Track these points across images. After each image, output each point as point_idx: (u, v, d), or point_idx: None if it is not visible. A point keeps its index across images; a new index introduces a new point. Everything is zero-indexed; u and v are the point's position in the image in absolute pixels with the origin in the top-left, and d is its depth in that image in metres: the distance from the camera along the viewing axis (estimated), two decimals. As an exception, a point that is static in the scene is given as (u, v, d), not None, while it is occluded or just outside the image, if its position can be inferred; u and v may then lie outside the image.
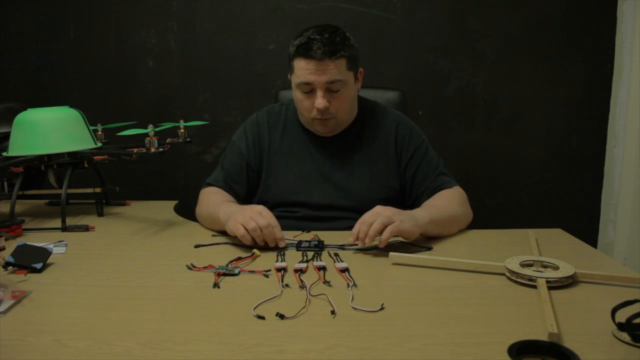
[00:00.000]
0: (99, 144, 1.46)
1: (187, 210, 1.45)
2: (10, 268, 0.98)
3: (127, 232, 1.29)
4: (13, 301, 0.84)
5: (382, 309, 0.81)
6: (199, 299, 0.87)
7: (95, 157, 1.42)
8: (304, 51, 1.23)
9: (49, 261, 1.01)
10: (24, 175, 1.40)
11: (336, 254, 1.07)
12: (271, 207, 1.33)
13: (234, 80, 2.13)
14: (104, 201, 1.52)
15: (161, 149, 1.27)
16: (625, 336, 0.70)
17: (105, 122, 1.56)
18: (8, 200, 1.38)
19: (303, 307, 0.82)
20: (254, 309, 0.81)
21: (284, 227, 1.17)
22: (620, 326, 0.71)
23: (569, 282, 0.90)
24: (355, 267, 1.00)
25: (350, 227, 1.16)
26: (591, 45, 2.08)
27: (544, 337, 0.70)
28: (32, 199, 1.58)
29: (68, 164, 1.38)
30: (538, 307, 0.81)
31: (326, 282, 0.93)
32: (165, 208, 1.52)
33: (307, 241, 1.13)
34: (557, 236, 1.23)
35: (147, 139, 1.26)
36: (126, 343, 0.72)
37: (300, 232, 1.24)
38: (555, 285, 0.88)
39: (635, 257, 2.01)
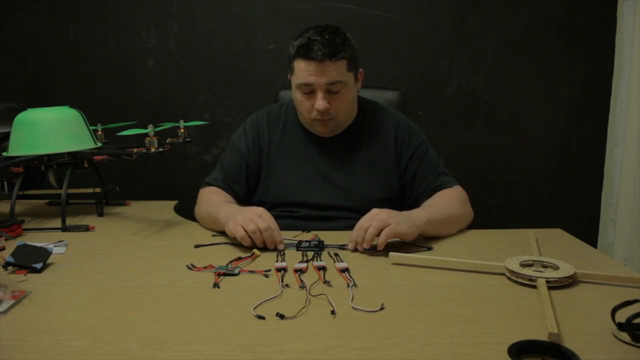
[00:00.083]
0: (99, 144, 1.46)
1: (187, 210, 1.45)
2: (10, 268, 0.98)
3: (127, 232, 1.29)
4: (13, 301, 0.84)
5: (382, 309, 0.81)
6: (199, 299, 0.87)
7: (95, 157, 1.42)
8: (305, 52, 1.23)
9: (49, 261, 1.01)
10: (24, 175, 1.40)
11: (336, 254, 1.07)
12: (271, 207, 1.33)
13: (234, 80, 2.13)
14: (104, 201, 1.52)
15: (161, 149, 1.27)
16: (625, 336, 0.70)
17: (105, 122, 1.56)
18: (8, 200, 1.38)
19: (303, 307, 0.82)
20: (254, 309, 0.81)
21: (284, 227, 1.17)
22: (620, 326, 0.71)
23: (569, 282, 0.90)
24: (355, 267, 1.00)
25: (350, 227, 1.16)
26: (591, 45, 2.08)
27: (544, 337, 0.70)
28: (32, 199, 1.58)
29: (68, 164, 1.38)
30: (538, 307, 0.81)
31: (326, 282, 0.93)
32: (165, 208, 1.52)
33: (307, 241, 1.13)
34: (557, 236, 1.23)
35: (147, 139, 1.26)
36: (126, 343, 0.72)
37: (300, 232, 1.24)
38: (555, 285, 0.88)
39: (635, 257, 2.01)
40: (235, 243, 1.14)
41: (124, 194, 1.58)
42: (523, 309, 0.82)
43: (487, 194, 2.18)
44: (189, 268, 1.00)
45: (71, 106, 1.45)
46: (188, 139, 1.35)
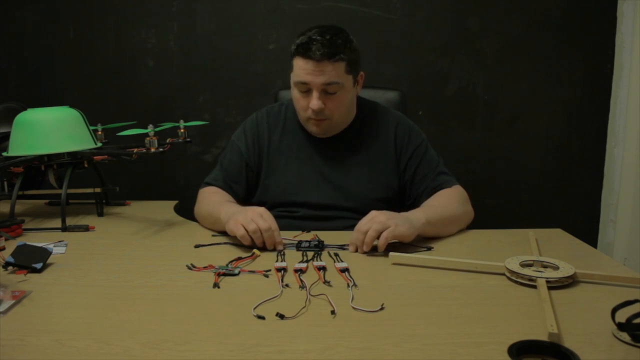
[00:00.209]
0: (99, 144, 1.46)
1: (187, 210, 1.45)
2: (10, 268, 0.98)
3: (127, 232, 1.29)
4: (13, 301, 0.84)
5: (382, 309, 0.81)
6: (199, 299, 0.87)
7: (95, 157, 1.42)
8: (303, 51, 1.23)
9: (49, 261, 1.01)
10: (24, 175, 1.40)
11: (336, 254, 1.07)
12: (270, 207, 1.33)
13: (234, 80, 2.13)
14: (104, 201, 1.52)
15: (161, 149, 1.27)
16: (625, 336, 0.70)
17: (105, 122, 1.56)
18: (8, 200, 1.38)
19: (303, 307, 0.82)
20: (254, 309, 0.81)
21: (284, 227, 1.17)
22: (620, 326, 0.71)
23: (569, 282, 0.90)
24: (355, 267, 1.00)
25: (349, 227, 1.16)
26: (591, 45, 2.08)
27: (544, 337, 0.70)
28: (32, 199, 1.58)
29: (68, 164, 1.38)
30: (538, 307, 0.81)
31: (326, 282, 0.93)
32: (165, 208, 1.52)
33: (307, 241, 1.13)
34: (557, 236, 1.23)
35: (147, 139, 1.26)
36: (126, 343, 0.72)
37: (300, 232, 1.24)
38: (555, 285, 0.88)
39: (635, 257, 2.01)
40: (236, 243, 1.14)
41: (124, 194, 1.58)
42: (523, 309, 0.82)
43: (487, 194, 2.18)
44: (189, 268, 1.00)
45: (71, 106, 1.45)
46: (188, 139, 1.35)
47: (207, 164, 2.15)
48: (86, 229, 1.29)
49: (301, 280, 0.92)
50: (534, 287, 0.88)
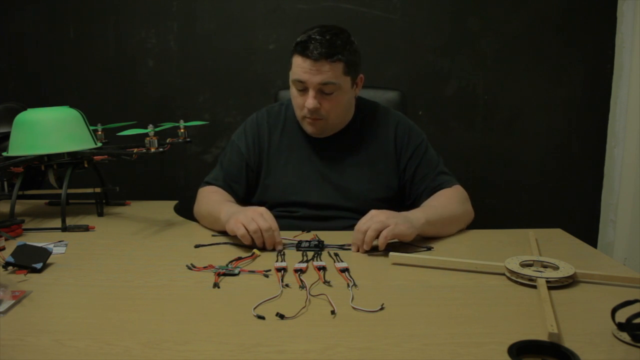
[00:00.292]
0: (99, 144, 1.46)
1: (187, 210, 1.45)
2: (10, 268, 0.98)
3: (127, 232, 1.29)
4: (13, 301, 0.84)
5: (382, 309, 0.81)
6: (199, 299, 0.87)
7: (95, 157, 1.42)
8: (302, 49, 1.23)
9: (49, 261, 1.01)
10: (24, 175, 1.40)
11: (336, 254, 1.07)
12: (270, 207, 1.33)
13: (234, 80, 2.13)
14: (104, 201, 1.52)
15: (161, 149, 1.27)
16: (625, 336, 0.70)
17: (105, 122, 1.56)
18: (8, 200, 1.38)
19: (303, 307, 0.82)
20: (254, 309, 0.81)
21: (284, 227, 1.17)
22: (620, 326, 0.71)
23: (569, 282, 0.90)
24: (355, 267, 1.00)
25: (349, 227, 1.16)
26: (591, 45, 2.08)
27: (544, 337, 0.70)
28: (32, 199, 1.58)
29: (68, 164, 1.38)
30: (538, 307, 0.81)
31: (326, 282, 0.93)
32: (165, 208, 1.52)
33: (307, 241, 1.13)
34: (557, 236, 1.23)
35: (147, 139, 1.26)
36: (126, 343, 0.72)
37: (300, 232, 1.24)
38: (555, 285, 0.88)
39: (635, 257, 2.01)
40: (236, 243, 1.14)
41: (124, 194, 1.58)
42: (523, 309, 0.82)
43: (487, 194, 2.18)
44: (189, 268, 1.00)
45: (71, 106, 1.45)
46: (188, 139, 1.35)
47: (207, 164, 2.15)
48: (86, 229, 1.29)
49: (301, 280, 0.92)
50: (534, 287, 0.88)
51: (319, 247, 1.11)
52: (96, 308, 0.84)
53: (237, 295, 0.89)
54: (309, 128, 1.33)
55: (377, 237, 1.06)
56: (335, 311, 0.80)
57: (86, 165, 1.42)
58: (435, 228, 1.18)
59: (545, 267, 0.95)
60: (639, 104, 1.99)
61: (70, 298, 0.89)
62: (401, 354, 0.69)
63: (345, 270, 0.97)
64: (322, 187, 1.35)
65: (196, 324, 0.78)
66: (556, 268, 0.93)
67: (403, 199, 1.38)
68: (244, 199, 1.39)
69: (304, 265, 1.00)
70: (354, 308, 0.82)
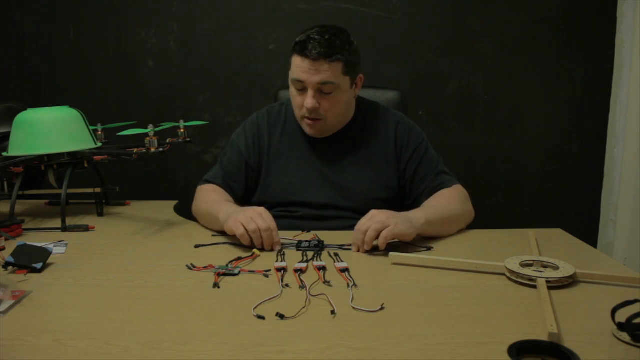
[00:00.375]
0: (99, 144, 1.46)
1: (187, 210, 1.45)
2: (10, 268, 0.98)
3: (127, 232, 1.29)
4: (13, 301, 0.84)
5: (382, 309, 0.81)
6: (199, 299, 0.87)
7: (95, 157, 1.42)
8: (300, 49, 1.24)
9: (49, 261, 1.01)
10: (24, 175, 1.40)
11: (336, 254, 1.07)
12: (270, 207, 1.33)
13: (234, 80, 2.13)
14: (104, 201, 1.52)
15: (161, 149, 1.27)
16: (625, 336, 0.70)
17: (105, 122, 1.56)
18: (8, 200, 1.38)
19: (303, 307, 0.82)
20: (254, 309, 0.81)
21: (284, 227, 1.17)
22: (620, 326, 0.71)
23: (569, 282, 0.90)
24: (355, 267, 1.00)
25: (349, 227, 1.16)
26: (591, 45, 2.08)
27: (544, 337, 0.70)
28: (32, 199, 1.58)
29: (68, 164, 1.38)
30: (538, 307, 0.81)
31: (326, 282, 0.93)
32: (165, 208, 1.52)
33: (307, 241, 1.13)
34: (557, 236, 1.23)
35: (147, 139, 1.26)
36: (126, 343, 0.72)
37: (300, 232, 1.24)
38: (555, 285, 0.88)
39: (635, 257, 2.01)
40: (235, 243, 1.14)
41: (124, 194, 1.58)
42: (523, 309, 0.82)
43: (487, 194, 2.18)
44: (189, 268, 1.00)
45: (71, 106, 1.45)
46: (188, 139, 1.35)
47: (207, 164, 2.15)
48: (86, 229, 1.29)
49: (301, 280, 0.92)
50: (534, 287, 0.88)
51: (319, 247, 1.11)
52: (96, 308, 0.84)
53: (237, 295, 0.89)
54: (308, 129, 1.33)
55: (378, 237, 1.06)
56: (335, 311, 0.80)
57: (86, 165, 1.42)
58: (435, 228, 1.18)
59: (545, 267, 0.95)
60: (639, 104, 2.00)
61: (70, 298, 0.89)
62: (401, 354, 0.69)
63: (345, 270, 0.97)
64: (322, 187, 1.35)
65: (196, 324, 0.78)
66: (556, 268, 0.93)
67: (403, 199, 1.38)
68: (243, 199, 1.40)
69: (304, 265, 1.00)
70: (354, 308, 0.82)
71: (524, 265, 0.95)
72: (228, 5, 2.09)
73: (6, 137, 1.43)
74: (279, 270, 0.98)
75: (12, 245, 1.07)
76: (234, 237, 1.12)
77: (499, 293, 0.89)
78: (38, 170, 1.45)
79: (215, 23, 2.10)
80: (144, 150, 1.27)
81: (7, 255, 0.99)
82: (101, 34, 2.12)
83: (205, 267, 1.00)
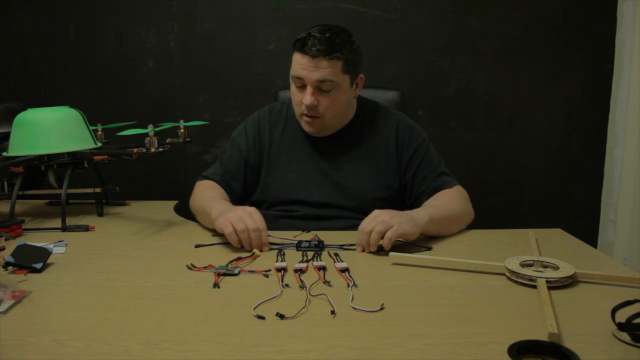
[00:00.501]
0: (99, 144, 1.46)
1: (187, 210, 1.45)
2: (10, 268, 0.98)
3: (127, 232, 1.29)
4: (13, 301, 0.84)
5: (382, 309, 0.81)
6: (199, 299, 0.87)
7: (95, 157, 1.42)
8: (300, 46, 1.24)
9: (49, 261, 1.01)
10: (24, 175, 1.40)
11: (336, 254, 1.07)
12: (271, 206, 1.34)
13: (234, 80, 2.13)
14: (104, 201, 1.52)
15: (161, 149, 1.27)
16: (625, 336, 0.70)
17: (105, 122, 1.56)
18: (8, 200, 1.38)
19: (303, 307, 0.82)
20: (254, 309, 0.81)
21: (284, 227, 1.17)
22: (620, 326, 0.71)
23: (569, 282, 0.90)
24: (355, 267, 1.00)
25: (349, 227, 1.16)
26: (591, 45, 2.08)
27: (544, 337, 0.70)
28: (32, 199, 1.58)
29: (68, 164, 1.38)
30: (538, 307, 0.81)
31: (326, 282, 0.93)
32: (165, 208, 1.52)
33: (307, 241, 1.13)
34: (557, 236, 1.23)
35: (147, 139, 1.26)
36: (126, 343, 0.72)
37: (300, 232, 1.24)
38: (555, 285, 0.88)
39: (635, 257, 2.01)
40: (235, 243, 1.14)
41: (124, 194, 1.58)
42: (523, 309, 0.82)
43: (487, 194, 2.18)
44: (189, 268, 1.00)
45: (71, 106, 1.45)
46: (188, 139, 1.35)
47: (207, 164, 2.14)
48: (86, 229, 1.29)
49: (301, 280, 0.92)
50: (534, 287, 0.88)
51: (319, 247, 1.11)
52: (96, 308, 0.84)
53: (237, 295, 0.89)
54: (306, 127, 1.33)
55: (382, 237, 1.06)
56: (335, 311, 0.80)
57: (86, 165, 1.42)
58: (437, 227, 1.18)
59: (545, 267, 0.95)
60: (639, 104, 2.00)
61: (70, 298, 0.89)
62: (401, 354, 0.69)
63: (345, 270, 0.97)
64: (323, 185, 1.35)
65: (196, 324, 0.78)
66: (556, 268, 0.93)
67: (404, 199, 1.38)
68: (241, 197, 1.40)
69: (304, 265, 1.00)
70: (354, 308, 0.82)
71: (524, 265, 0.95)
72: (228, 5, 2.09)
73: (6, 137, 1.43)
74: (279, 270, 0.98)
75: (12, 245, 1.07)
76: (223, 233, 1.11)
77: (499, 293, 0.89)
78: (38, 170, 1.45)
79: (215, 23, 2.10)
80: (144, 150, 1.27)
81: (7, 255, 0.99)
82: (101, 34, 2.12)
83: (205, 267, 1.00)
